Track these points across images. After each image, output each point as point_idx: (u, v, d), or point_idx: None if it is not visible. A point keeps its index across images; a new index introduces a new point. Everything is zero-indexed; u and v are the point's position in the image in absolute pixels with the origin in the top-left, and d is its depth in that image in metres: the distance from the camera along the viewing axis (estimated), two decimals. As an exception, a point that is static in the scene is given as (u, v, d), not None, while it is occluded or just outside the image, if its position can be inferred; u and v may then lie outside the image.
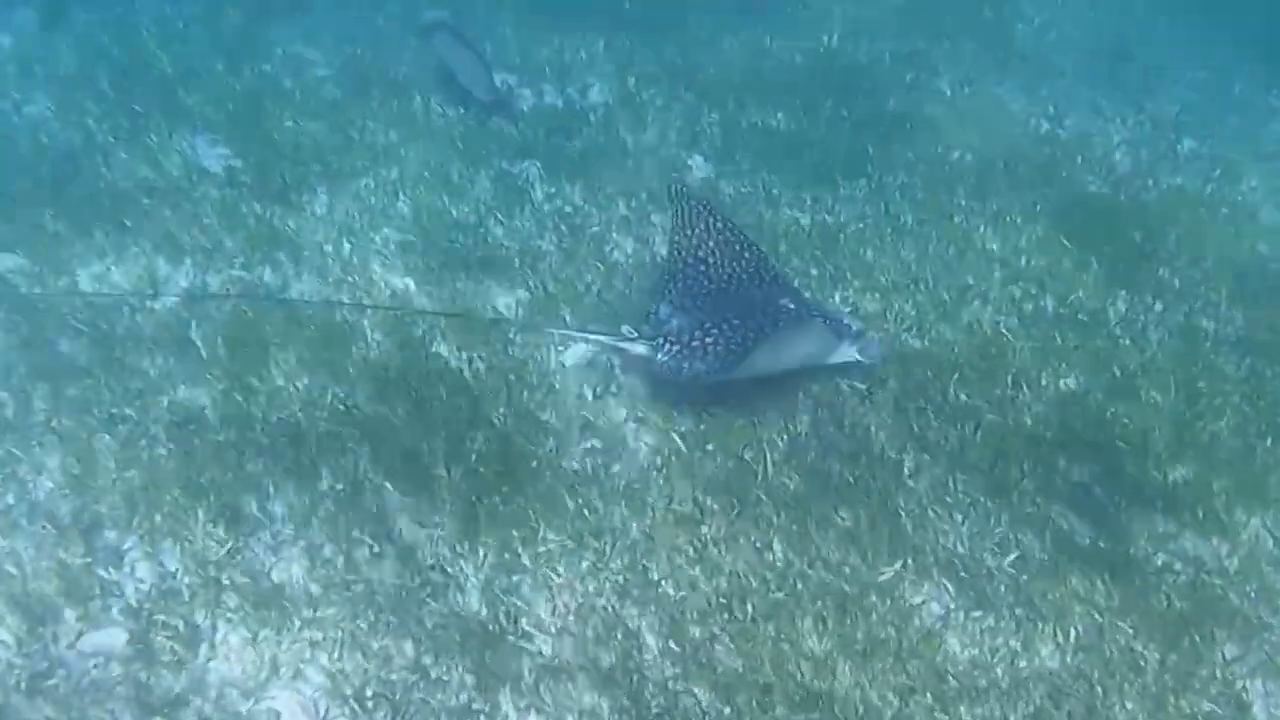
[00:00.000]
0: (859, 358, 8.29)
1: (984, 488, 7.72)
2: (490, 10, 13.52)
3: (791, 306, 8.21)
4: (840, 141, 11.51)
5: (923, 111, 12.24)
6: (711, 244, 8.70)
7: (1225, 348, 9.21)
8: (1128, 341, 9.08)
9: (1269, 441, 8.20)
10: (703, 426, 7.91)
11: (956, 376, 8.40)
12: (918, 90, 12.80)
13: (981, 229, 10.42)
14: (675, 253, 8.67)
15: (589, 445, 7.82)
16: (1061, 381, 8.61)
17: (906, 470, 7.75)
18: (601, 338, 8.46)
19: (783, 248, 9.73)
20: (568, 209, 10.19)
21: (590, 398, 8.15)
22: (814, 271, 9.55)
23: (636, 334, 8.08)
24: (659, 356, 7.93)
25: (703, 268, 8.59)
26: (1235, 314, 9.61)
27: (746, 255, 8.72)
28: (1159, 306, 9.56)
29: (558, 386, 8.22)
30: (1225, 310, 9.65)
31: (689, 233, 8.72)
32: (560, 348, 8.56)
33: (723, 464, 7.67)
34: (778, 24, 13.77)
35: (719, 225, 8.77)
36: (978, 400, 8.35)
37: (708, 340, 7.97)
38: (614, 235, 9.89)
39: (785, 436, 7.90)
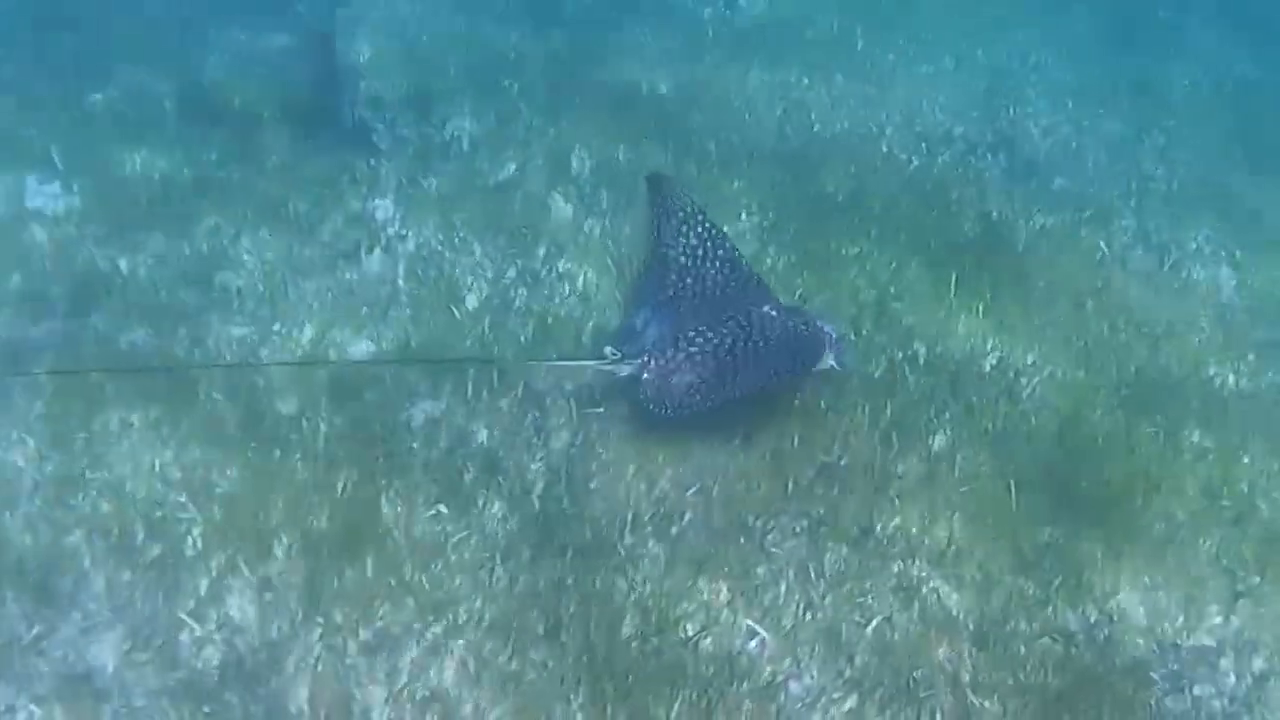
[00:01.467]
0: (834, 365, 8.13)
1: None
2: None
3: (775, 314, 8.09)
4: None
5: (805, 148, 12.01)
6: (691, 240, 8.56)
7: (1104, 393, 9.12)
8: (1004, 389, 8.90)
9: (1139, 500, 8.05)
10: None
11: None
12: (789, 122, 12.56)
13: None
14: (655, 248, 8.55)
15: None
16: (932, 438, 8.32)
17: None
18: (586, 363, 8.24)
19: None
20: (423, 252, 9.86)
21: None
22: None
23: (620, 354, 7.77)
24: (644, 375, 7.75)
25: (680, 269, 8.47)
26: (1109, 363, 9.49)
27: (723, 254, 8.55)
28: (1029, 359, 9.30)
29: (415, 446, 7.89)
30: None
31: (668, 226, 8.58)
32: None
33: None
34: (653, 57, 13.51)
35: (699, 219, 8.65)
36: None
37: (693, 349, 7.79)
38: (469, 279, 9.59)
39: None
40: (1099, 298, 10.18)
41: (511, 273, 9.69)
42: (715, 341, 7.89)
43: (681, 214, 8.66)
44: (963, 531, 7.71)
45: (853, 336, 8.91)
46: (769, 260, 9.94)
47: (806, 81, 13.34)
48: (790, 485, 7.83)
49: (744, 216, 10.63)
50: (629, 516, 7.51)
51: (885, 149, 12.18)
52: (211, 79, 12.22)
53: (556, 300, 9.38)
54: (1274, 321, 10.39)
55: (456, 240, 10.01)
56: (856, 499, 7.83)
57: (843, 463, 8.07)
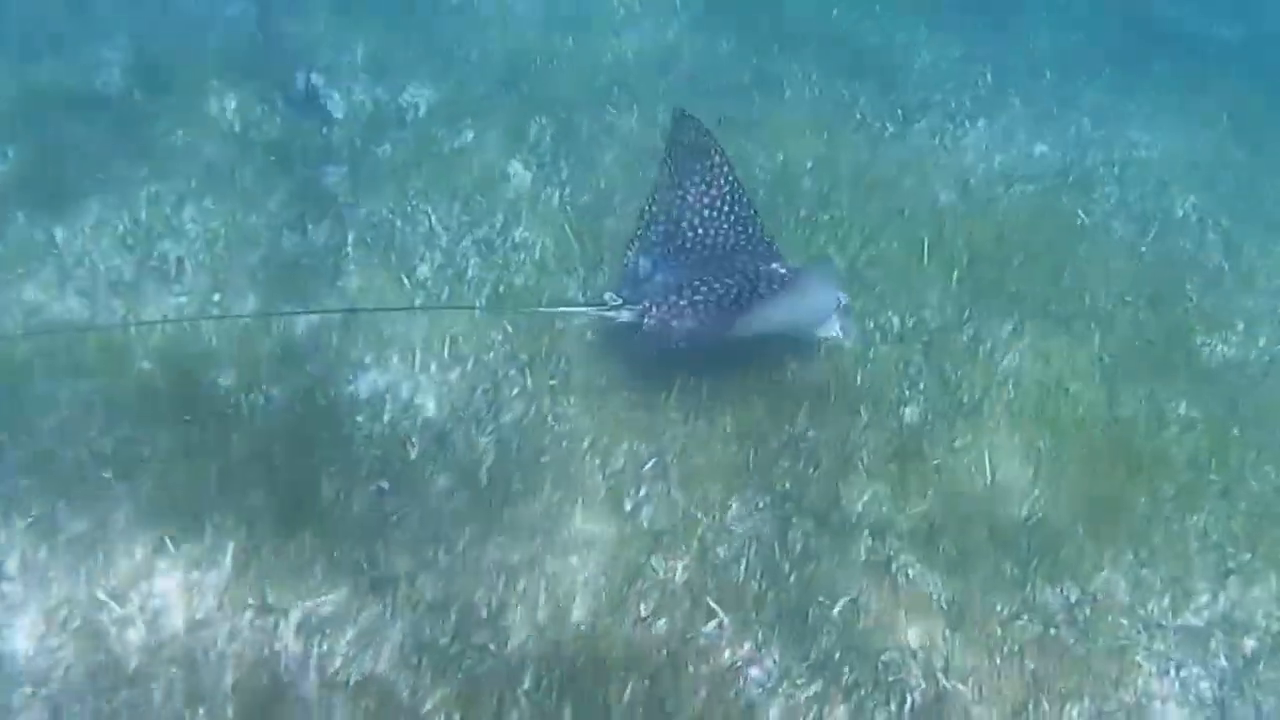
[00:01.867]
0: (839, 334, 7.84)
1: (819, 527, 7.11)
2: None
3: (783, 271, 7.70)
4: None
5: (770, 114, 11.63)
6: (709, 188, 8.17)
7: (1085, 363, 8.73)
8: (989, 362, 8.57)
9: (1122, 474, 7.70)
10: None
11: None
12: (762, 93, 12.17)
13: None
14: (667, 193, 8.11)
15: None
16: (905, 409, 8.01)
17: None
18: (586, 310, 7.95)
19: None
20: (374, 219, 9.39)
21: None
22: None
23: (620, 300, 7.51)
24: (645, 320, 7.43)
25: (694, 217, 8.11)
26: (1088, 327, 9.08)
27: (740, 210, 8.16)
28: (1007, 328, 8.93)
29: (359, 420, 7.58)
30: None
31: (686, 168, 8.15)
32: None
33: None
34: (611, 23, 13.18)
35: (721, 164, 8.21)
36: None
37: (696, 298, 7.43)
38: (422, 248, 9.17)
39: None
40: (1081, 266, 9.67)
41: (466, 241, 9.28)
42: (720, 292, 7.56)
43: (707, 161, 8.24)
44: (936, 507, 7.30)
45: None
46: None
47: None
48: (753, 458, 7.45)
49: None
50: (581, 492, 7.13)
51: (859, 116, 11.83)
52: (163, 46, 11.74)
53: (511, 269, 9.01)
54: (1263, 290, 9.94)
55: (409, 208, 9.59)
56: (823, 473, 7.47)
57: (810, 434, 7.73)
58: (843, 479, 7.42)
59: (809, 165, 10.65)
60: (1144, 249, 10.39)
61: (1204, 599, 7.13)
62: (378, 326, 8.13)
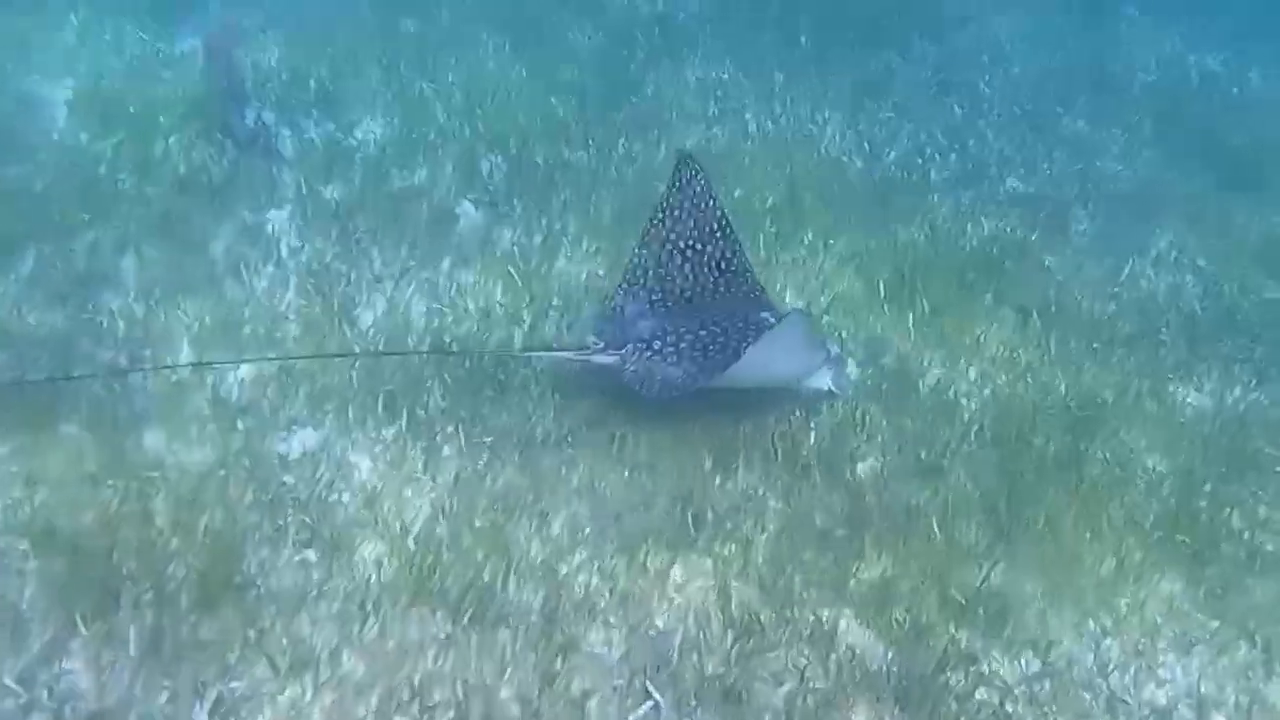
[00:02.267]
0: (830, 386, 7.72)
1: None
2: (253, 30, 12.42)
3: (772, 320, 7.46)
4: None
5: (731, 147, 11.42)
6: (702, 233, 8.00)
7: (1051, 414, 8.43)
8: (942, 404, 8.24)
9: (1087, 535, 7.36)
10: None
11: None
12: (727, 118, 12.03)
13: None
14: (659, 236, 7.97)
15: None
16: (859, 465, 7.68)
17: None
18: (564, 354, 7.70)
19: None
20: (317, 264, 9.11)
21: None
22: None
23: (602, 343, 7.40)
24: (628, 366, 7.26)
25: (685, 263, 7.95)
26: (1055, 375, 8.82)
27: (732, 256, 8.01)
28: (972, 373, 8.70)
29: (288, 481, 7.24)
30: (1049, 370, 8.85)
31: (679, 214, 7.98)
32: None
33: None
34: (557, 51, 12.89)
35: (715, 210, 8.07)
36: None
37: (682, 345, 7.27)
38: (363, 296, 8.85)
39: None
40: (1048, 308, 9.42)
41: (412, 288, 9.01)
42: (706, 340, 7.43)
43: (703, 205, 8.09)
44: (889, 572, 7.01)
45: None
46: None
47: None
48: (693, 520, 7.15)
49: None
50: (515, 559, 6.86)
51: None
52: (109, 83, 11.53)
53: (457, 315, 8.80)
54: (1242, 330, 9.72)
55: (355, 252, 9.32)
56: (770, 536, 7.18)
57: (760, 493, 7.42)
58: (790, 543, 7.11)
59: (769, 201, 10.47)
60: (1116, 288, 10.03)
61: (1172, 672, 6.82)
62: (313, 379, 7.86)
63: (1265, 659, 6.83)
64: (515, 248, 9.54)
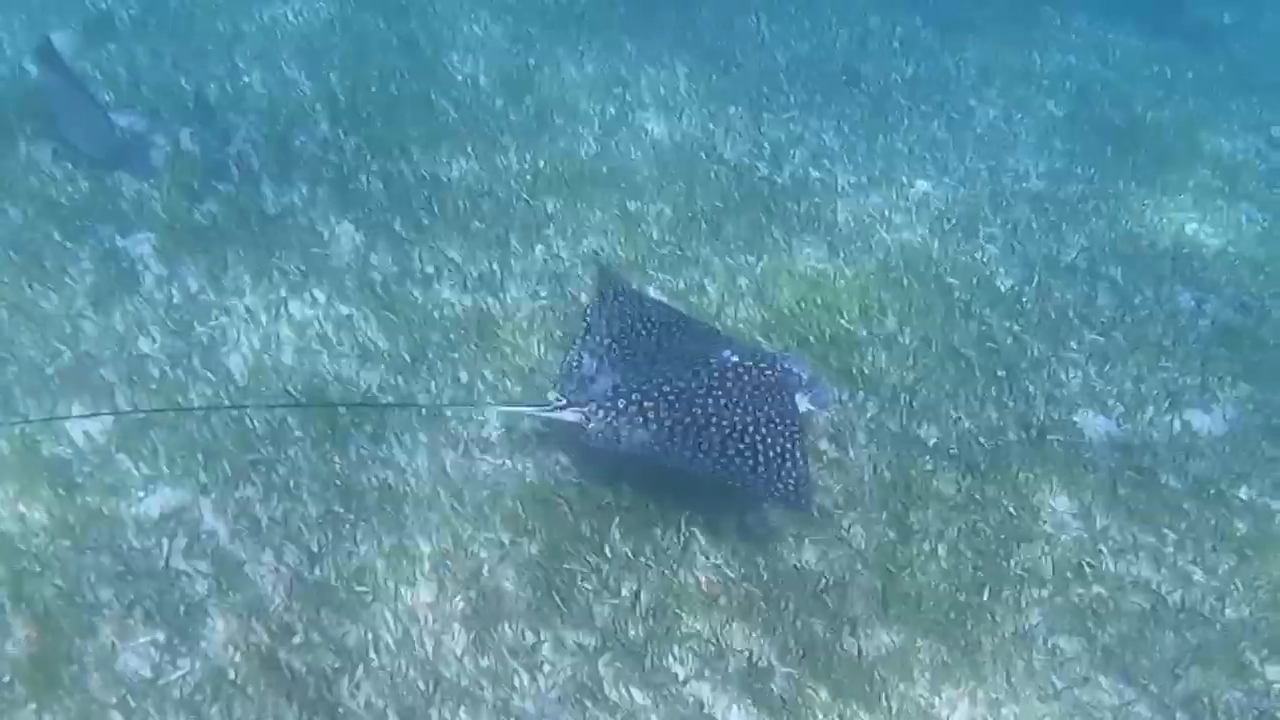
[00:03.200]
0: (811, 408, 7.53)
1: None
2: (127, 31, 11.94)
3: (735, 358, 7.42)
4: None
5: (622, 159, 11.10)
6: (640, 311, 7.97)
7: (945, 461, 8.15)
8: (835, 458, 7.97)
9: (984, 594, 7.21)
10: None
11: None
12: (622, 121, 11.77)
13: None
14: (600, 302, 8.01)
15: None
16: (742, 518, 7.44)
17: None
18: (525, 409, 7.58)
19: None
20: (178, 299, 8.67)
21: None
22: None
23: (564, 400, 7.32)
24: (590, 425, 7.16)
25: (633, 320, 7.89)
26: (958, 412, 8.62)
27: (673, 319, 7.95)
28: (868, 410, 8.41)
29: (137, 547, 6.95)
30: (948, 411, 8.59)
31: (610, 316, 7.96)
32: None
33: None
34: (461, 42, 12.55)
35: (642, 301, 8.17)
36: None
37: (647, 405, 7.15)
38: (232, 333, 8.43)
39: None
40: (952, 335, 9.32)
41: (282, 325, 8.63)
42: (671, 396, 7.36)
43: (621, 306, 8.15)
44: (778, 633, 7.01)
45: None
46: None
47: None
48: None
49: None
50: (379, 642, 6.62)
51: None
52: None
53: (332, 356, 8.48)
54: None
55: (226, 281, 8.92)
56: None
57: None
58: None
59: (666, 212, 10.27)
60: (1026, 301, 9.76)
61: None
62: (175, 429, 7.59)
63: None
64: (395, 275, 9.23)
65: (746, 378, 7.38)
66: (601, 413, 7.19)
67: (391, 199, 10.01)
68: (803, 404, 7.54)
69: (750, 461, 7.06)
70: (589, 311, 7.85)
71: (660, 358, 7.59)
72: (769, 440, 7.17)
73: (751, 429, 7.21)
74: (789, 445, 7.14)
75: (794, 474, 7.03)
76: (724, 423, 7.18)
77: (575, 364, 7.60)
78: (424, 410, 7.82)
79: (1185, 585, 7.53)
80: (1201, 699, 6.86)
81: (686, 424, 7.14)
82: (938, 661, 6.87)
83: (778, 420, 7.24)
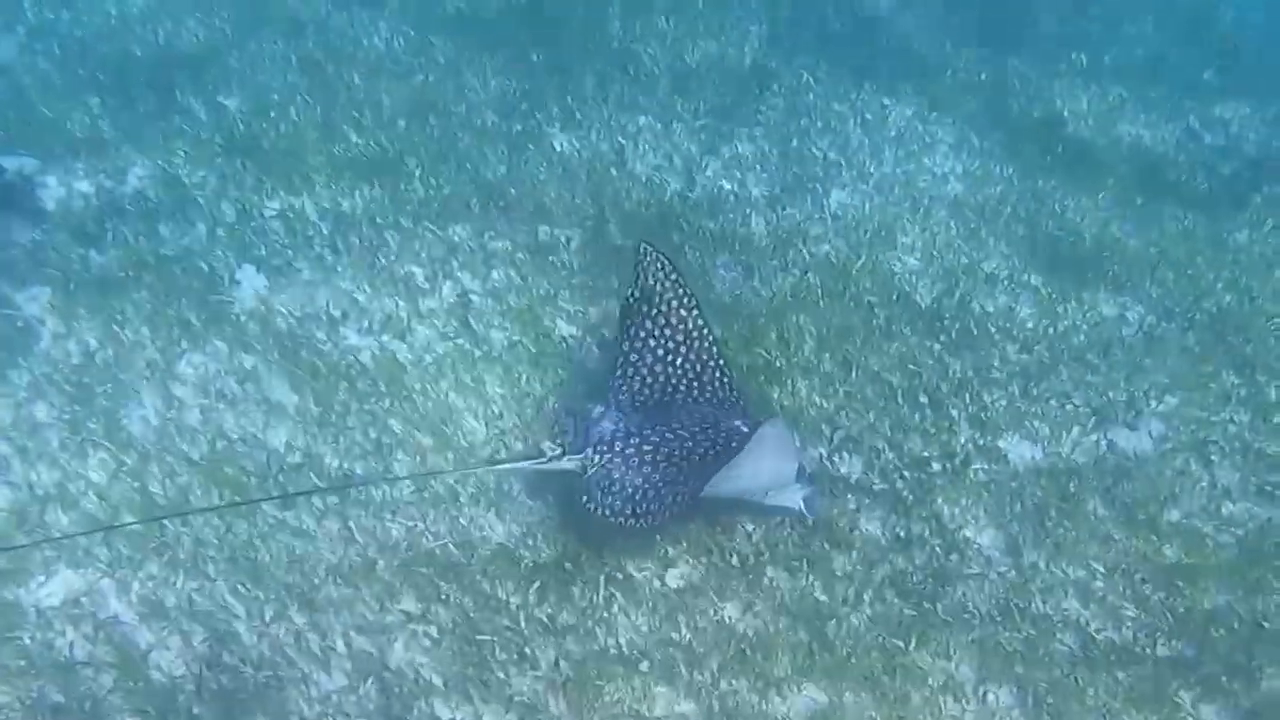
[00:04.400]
0: (800, 507, 7.46)
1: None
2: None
3: (745, 430, 7.24)
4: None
5: (530, 180, 10.85)
6: (672, 331, 7.78)
7: (869, 498, 8.19)
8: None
9: (912, 643, 7.23)
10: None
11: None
12: (530, 139, 11.43)
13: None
14: (629, 332, 7.67)
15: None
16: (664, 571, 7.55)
17: None
18: (520, 465, 7.46)
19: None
20: (76, 359, 8.45)
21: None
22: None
23: (561, 449, 7.22)
24: (589, 471, 7.08)
25: (655, 362, 7.73)
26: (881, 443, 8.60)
27: (704, 355, 7.81)
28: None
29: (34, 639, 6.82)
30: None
31: (651, 311, 7.71)
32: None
33: None
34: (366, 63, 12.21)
35: (687, 306, 7.79)
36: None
37: (646, 448, 7.06)
38: (133, 393, 8.35)
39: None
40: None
41: (184, 382, 8.54)
42: (671, 446, 7.25)
43: (672, 302, 7.85)
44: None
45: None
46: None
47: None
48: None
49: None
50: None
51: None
52: None
53: (233, 417, 8.37)
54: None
55: (125, 335, 8.68)
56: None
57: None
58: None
59: (576, 239, 10.24)
60: (947, 316, 9.66)
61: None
62: (76, 506, 7.55)
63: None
64: (298, 320, 9.06)
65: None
66: (599, 456, 7.14)
67: (292, 236, 9.75)
68: (795, 499, 7.59)
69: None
70: (624, 334, 7.77)
71: (668, 412, 7.60)
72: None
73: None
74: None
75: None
76: (718, 453, 7.18)
77: (589, 410, 7.56)
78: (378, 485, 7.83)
79: (1115, 622, 7.56)
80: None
81: (679, 468, 7.20)
82: (866, 719, 6.80)
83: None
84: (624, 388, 7.60)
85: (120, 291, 9.09)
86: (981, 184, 11.68)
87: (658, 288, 7.69)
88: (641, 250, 7.74)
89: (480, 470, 7.73)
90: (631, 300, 7.67)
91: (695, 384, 7.75)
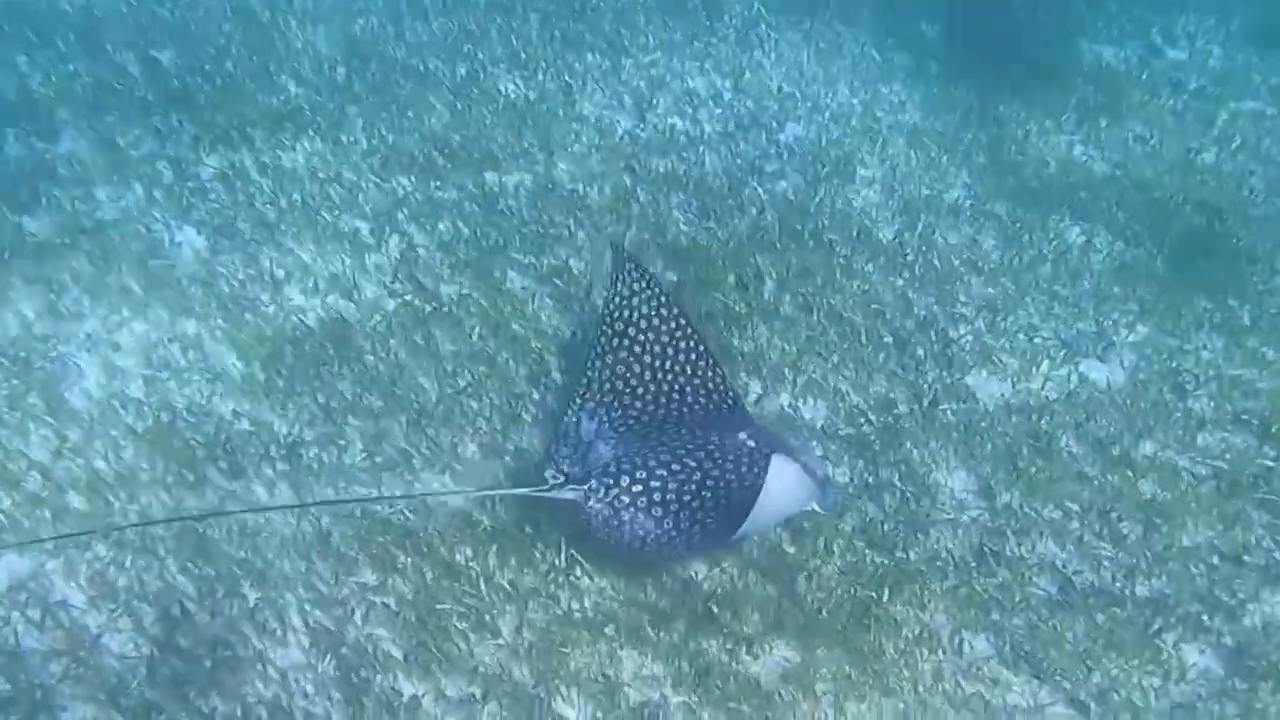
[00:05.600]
0: (817, 508, 7.11)
1: None
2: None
3: (753, 444, 7.00)
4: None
5: (476, 125, 10.68)
6: (656, 335, 7.40)
7: (835, 444, 8.16)
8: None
9: (885, 593, 7.16)
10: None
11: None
12: (474, 83, 11.25)
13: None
14: (607, 340, 7.32)
15: None
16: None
17: None
18: (522, 491, 7.05)
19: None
20: (14, 331, 8.40)
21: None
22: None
23: (563, 476, 6.82)
24: (591, 503, 6.74)
25: (645, 372, 7.38)
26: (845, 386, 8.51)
27: (696, 362, 7.44)
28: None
29: None
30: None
31: (627, 314, 7.34)
32: None
33: None
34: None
35: (666, 309, 7.41)
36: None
37: (653, 484, 6.73)
38: (74, 366, 8.15)
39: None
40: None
41: (126, 352, 8.39)
42: (680, 478, 6.91)
43: (647, 308, 7.46)
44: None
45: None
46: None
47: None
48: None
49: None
50: (249, 716, 6.43)
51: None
52: None
53: (175, 386, 8.20)
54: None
55: (64, 305, 8.57)
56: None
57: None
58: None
59: (526, 183, 9.99)
60: (909, 252, 9.54)
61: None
62: (18, 486, 7.41)
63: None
64: (241, 282, 8.91)
65: (757, 464, 6.91)
66: (602, 490, 6.80)
67: (233, 195, 9.58)
68: (811, 504, 7.21)
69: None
70: (595, 348, 7.40)
71: (666, 429, 7.27)
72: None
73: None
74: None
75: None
76: (732, 487, 6.91)
77: (573, 425, 7.21)
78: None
79: (1093, 563, 7.51)
80: (1116, 690, 6.89)
81: (692, 508, 6.79)
82: (840, 675, 6.80)
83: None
84: (613, 405, 7.32)
85: (57, 259, 8.89)
86: (940, 111, 11.43)
87: (634, 301, 7.41)
88: (617, 258, 7.52)
89: (475, 494, 7.54)
90: (608, 316, 7.41)
91: (689, 394, 7.49)
